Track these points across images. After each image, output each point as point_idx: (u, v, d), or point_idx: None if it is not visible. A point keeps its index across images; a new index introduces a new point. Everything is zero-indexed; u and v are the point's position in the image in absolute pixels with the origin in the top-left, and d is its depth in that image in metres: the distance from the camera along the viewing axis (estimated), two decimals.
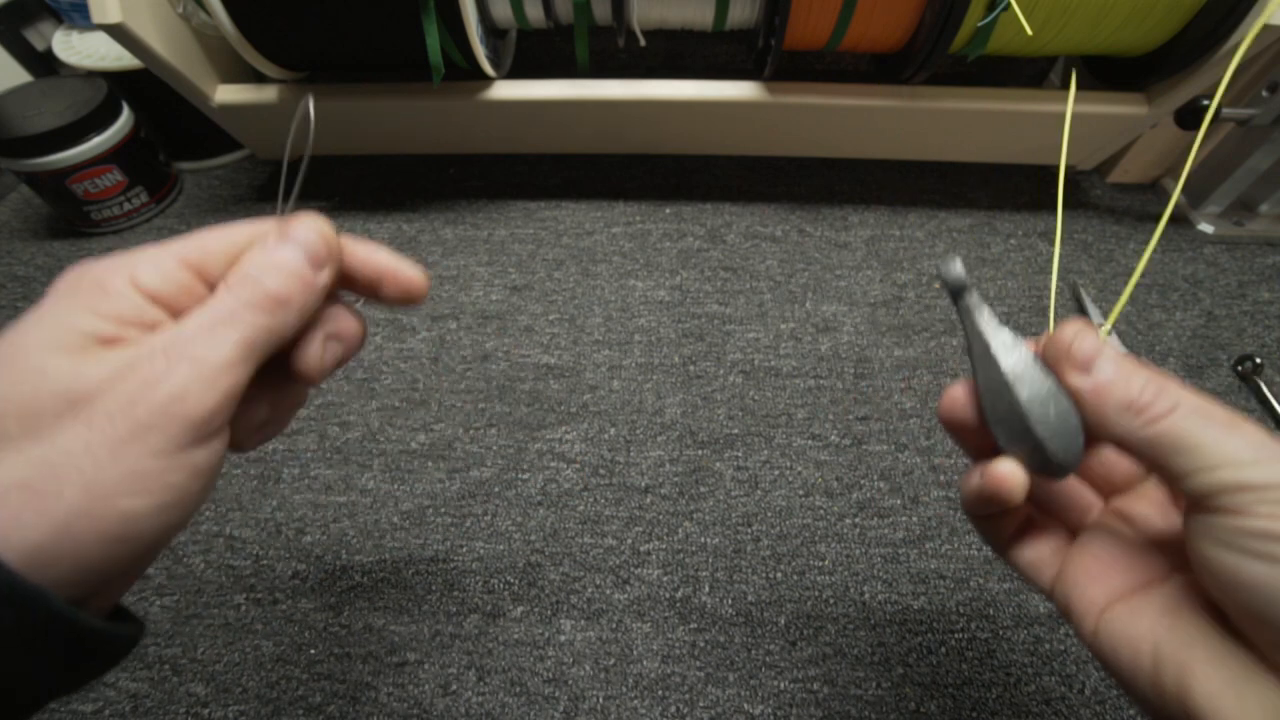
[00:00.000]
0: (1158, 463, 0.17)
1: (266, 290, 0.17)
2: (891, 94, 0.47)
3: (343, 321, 0.22)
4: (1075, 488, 0.23)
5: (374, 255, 0.22)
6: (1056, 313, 0.48)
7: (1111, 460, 0.22)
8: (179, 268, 0.17)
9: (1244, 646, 0.17)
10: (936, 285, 0.19)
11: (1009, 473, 0.19)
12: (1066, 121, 0.23)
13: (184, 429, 0.15)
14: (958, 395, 0.21)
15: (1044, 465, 0.20)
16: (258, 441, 0.21)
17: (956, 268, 0.21)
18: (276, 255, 0.18)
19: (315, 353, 0.21)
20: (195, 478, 0.16)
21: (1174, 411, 0.17)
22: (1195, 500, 0.17)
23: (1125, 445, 0.18)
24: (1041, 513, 0.23)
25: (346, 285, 0.22)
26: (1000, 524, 0.22)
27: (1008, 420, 0.20)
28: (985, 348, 0.21)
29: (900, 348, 0.45)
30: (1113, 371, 0.18)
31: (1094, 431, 0.19)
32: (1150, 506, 0.21)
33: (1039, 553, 0.22)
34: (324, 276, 0.19)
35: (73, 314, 0.16)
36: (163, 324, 0.17)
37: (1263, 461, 0.16)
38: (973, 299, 0.21)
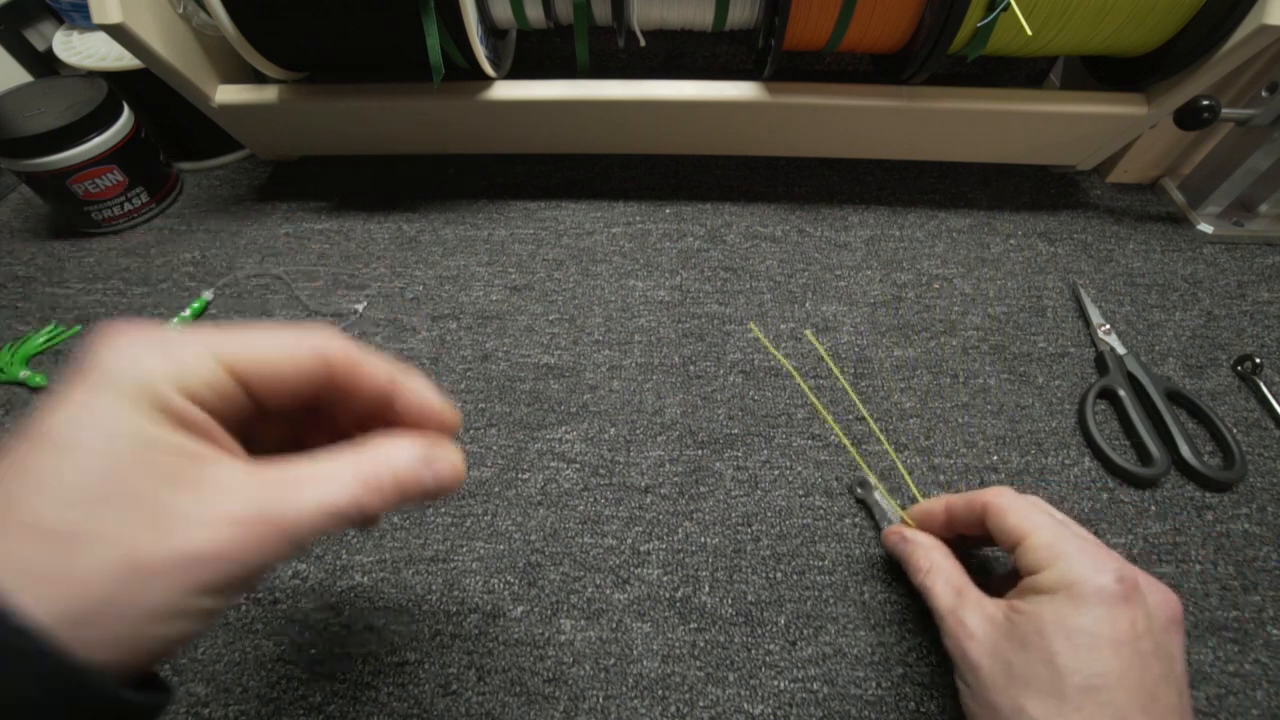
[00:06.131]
0: None
1: (383, 502, 0.18)
2: (891, 94, 0.47)
3: None
4: None
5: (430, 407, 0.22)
6: (1057, 314, 0.48)
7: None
8: (220, 371, 0.17)
9: None
10: (858, 492, 0.39)
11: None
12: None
13: (238, 589, 0.17)
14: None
15: None
16: None
17: (871, 490, 0.38)
18: (418, 481, 0.19)
19: None
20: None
21: (918, 584, 0.30)
22: None
23: None
24: None
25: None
26: None
27: None
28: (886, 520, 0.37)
29: (900, 348, 0.45)
30: (899, 555, 0.33)
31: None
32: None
33: None
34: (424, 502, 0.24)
35: (147, 423, 0.16)
36: (217, 435, 0.17)
37: (940, 627, 0.28)
38: (873, 495, 0.37)
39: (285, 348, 0.18)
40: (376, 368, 0.20)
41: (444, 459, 0.20)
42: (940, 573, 0.29)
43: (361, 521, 0.19)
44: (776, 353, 0.32)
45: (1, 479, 0.15)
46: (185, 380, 0.16)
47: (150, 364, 0.16)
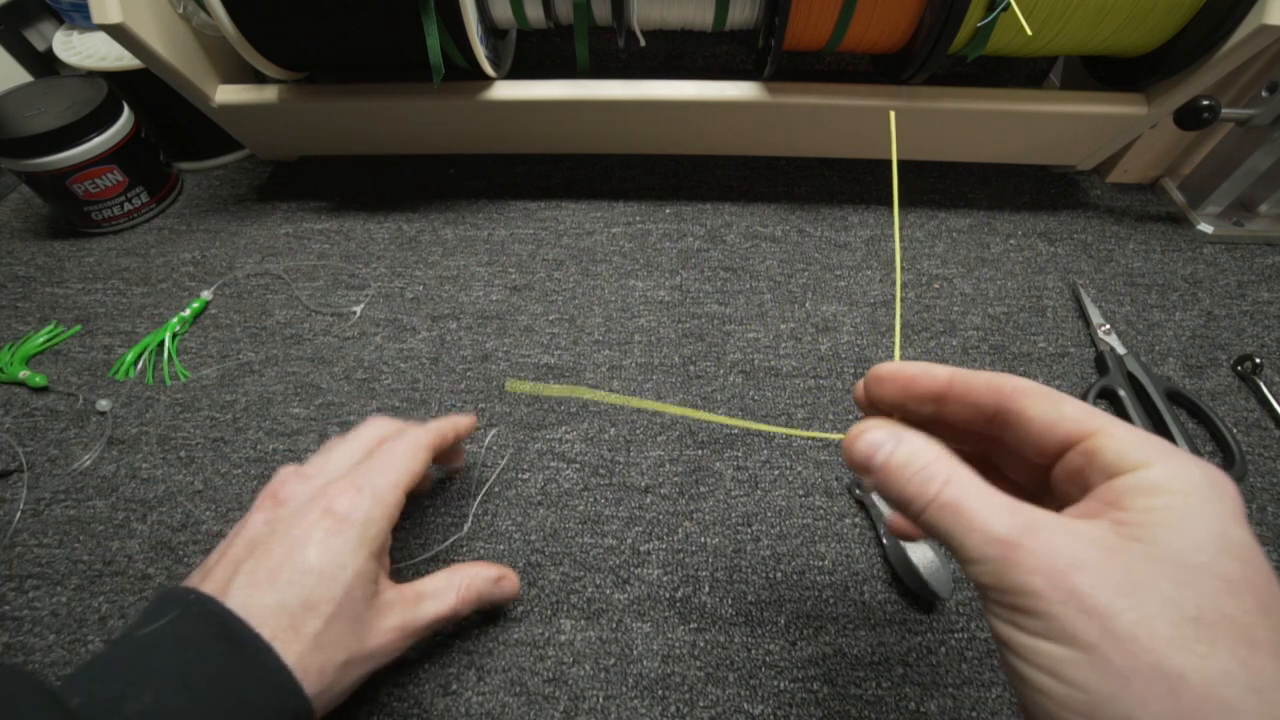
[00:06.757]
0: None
1: (468, 609, 0.31)
2: (891, 94, 0.47)
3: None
4: None
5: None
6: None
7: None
8: (404, 497, 0.29)
9: None
10: (856, 492, 0.36)
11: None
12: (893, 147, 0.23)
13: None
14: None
15: (931, 595, 0.33)
16: None
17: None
18: (491, 595, 0.32)
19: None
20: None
21: (929, 506, 0.18)
22: None
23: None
24: None
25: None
26: None
27: (907, 571, 0.34)
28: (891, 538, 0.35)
29: (900, 348, 0.45)
30: (880, 465, 0.20)
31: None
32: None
33: None
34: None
35: (367, 562, 0.26)
36: (386, 551, 0.29)
37: (986, 560, 0.16)
38: (871, 495, 0.37)
39: (424, 457, 0.30)
40: (449, 436, 0.33)
41: (508, 580, 0.32)
42: (968, 483, 0.18)
43: (452, 621, 0.30)
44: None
45: (290, 591, 0.24)
46: (390, 515, 0.28)
47: (376, 513, 0.27)
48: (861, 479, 0.20)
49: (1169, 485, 0.16)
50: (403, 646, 0.28)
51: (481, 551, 0.36)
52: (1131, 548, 0.15)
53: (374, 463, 0.29)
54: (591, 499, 0.38)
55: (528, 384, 0.28)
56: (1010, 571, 0.16)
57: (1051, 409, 0.18)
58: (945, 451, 0.19)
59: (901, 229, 0.53)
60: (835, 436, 0.22)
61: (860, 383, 0.23)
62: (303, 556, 0.25)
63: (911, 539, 0.29)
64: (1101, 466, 0.17)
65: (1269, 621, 0.14)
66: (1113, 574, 0.15)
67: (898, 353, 0.26)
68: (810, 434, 0.23)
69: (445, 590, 0.29)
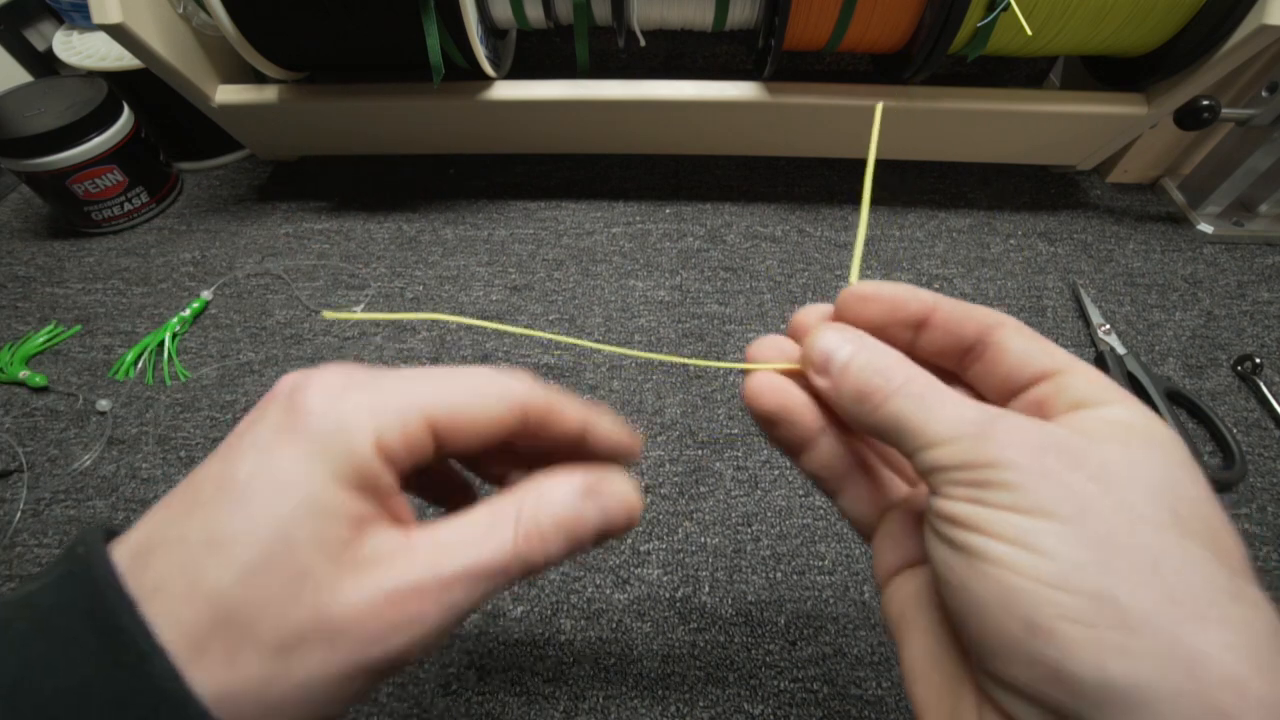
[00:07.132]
0: (894, 446, 0.17)
1: (546, 551, 0.17)
2: (891, 94, 0.47)
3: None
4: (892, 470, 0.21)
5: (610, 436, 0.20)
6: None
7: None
8: (424, 428, 0.16)
9: (957, 649, 0.16)
10: None
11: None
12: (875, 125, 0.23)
13: (392, 671, 0.15)
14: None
15: None
16: None
17: None
18: (583, 520, 0.17)
19: None
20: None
21: (893, 395, 0.17)
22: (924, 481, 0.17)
23: (871, 434, 0.18)
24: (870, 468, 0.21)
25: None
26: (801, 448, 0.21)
27: None
28: None
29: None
30: (843, 363, 0.18)
31: (850, 426, 0.19)
32: None
33: (859, 505, 0.21)
34: (593, 546, 0.18)
35: (328, 487, 0.15)
36: (392, 496, 0.16)
37: (957, 439, 0.16)
38: None
39: (487, 402, 0.17)
40: (570, 415, 0.19)
41: (610, 492, 0.18)
42: (934, 380, 0.17)
43: (527, 574, 0.17)
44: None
45: (195, 519, 0.15)
46: (387, 439, 0.16)
47: (357, 421, 0.15)
48: (815, 380, 0.19)
49: (1134, 423, 0.16)
50: (415, 627, 0.15)
51: None
52: (1107, 450, 0.15)
53: (414, 371, 0.17)
54: None
55: (345, 313, 0.18)
56: (983, 446, 0.15)
57: (1032, 343, 0.18)
58: (906, 358, 0.18)
59: (901, 229, 0.53)
60: (745, 366, 0.20)
61: (813, 307, 0.21)
62: (232, 467, 0.15)
63: (767, 412, 0.20)
64: (1069, 399, 0.17)
65: (1233, 538, 0.15)
66: (1091, 463, 0.15)
67: (856, 273, 0.21)
68: (724, 364, 0.20)
69: (494, 525, 0.17)
